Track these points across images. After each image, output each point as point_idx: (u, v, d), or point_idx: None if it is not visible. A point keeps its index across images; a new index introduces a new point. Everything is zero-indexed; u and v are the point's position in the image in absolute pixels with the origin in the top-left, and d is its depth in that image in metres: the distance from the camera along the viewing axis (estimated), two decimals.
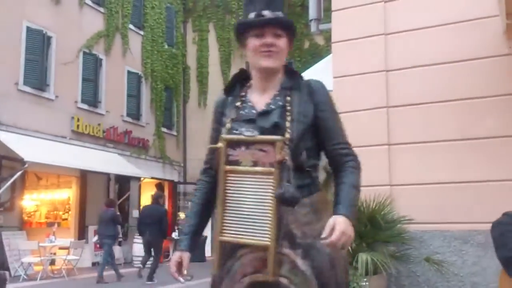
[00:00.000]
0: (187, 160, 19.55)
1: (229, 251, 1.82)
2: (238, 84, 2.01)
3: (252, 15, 1.89)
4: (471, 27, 4.75)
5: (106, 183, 15.85)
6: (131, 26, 17.51)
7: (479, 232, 4.35)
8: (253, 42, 1.89)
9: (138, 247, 14.25)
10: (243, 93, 1.97)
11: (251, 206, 1.77)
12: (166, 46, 19.24)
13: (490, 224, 2.92)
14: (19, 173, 11.80)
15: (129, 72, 17.31)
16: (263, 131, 1.81)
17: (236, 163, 1.81)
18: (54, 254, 12.21)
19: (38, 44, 13.72)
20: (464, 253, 4.49)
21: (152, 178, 17.43)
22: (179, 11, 20.12)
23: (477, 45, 4.71)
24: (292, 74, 1.97)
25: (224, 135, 1.85)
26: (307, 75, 6.87)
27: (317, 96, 1.90)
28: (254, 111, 1.89)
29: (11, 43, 12.92)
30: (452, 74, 4.79)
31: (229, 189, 1.82)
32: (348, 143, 1.93)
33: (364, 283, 3.85)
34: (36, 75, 13.62)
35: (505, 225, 2.80)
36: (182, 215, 17.73)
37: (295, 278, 1.72)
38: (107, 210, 11.52)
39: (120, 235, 15.19)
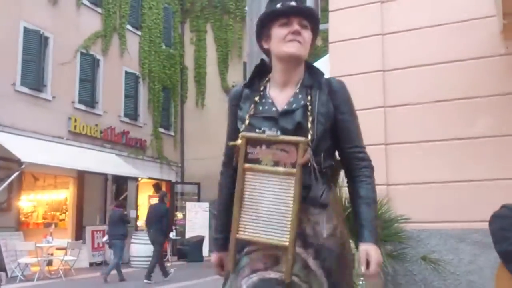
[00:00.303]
0: (184, 160, 19.55)
1: (239, 247, 1.82)
2: (256, 77, 1.96)
3: (278, 4, 1.85)
4: (468, 27, 4.77)
5: (103, 183, 15.84)
6: (128, 26, 17.51)
7: (476, 230, 4.37)
8: (279, 31, 1.85)
9: (135, 248, 14.25)
10: (262, 87, 1.93)
11: (270, 205, 1.76)
12: (164, 47, 19.25)
13: (487, 223, 2.92)
14: (16, 174, 11.79)
15: (126, 72, 17.32)
16: (284, 131, 1.79)
17: (256, 161, 1.79)
18: (51, 254, 12.20)
19: (35, 45, 13.71)
20: (460, 251, 4.51)
21: (150, 178, 17.43)
22: (176, 11, 20.13)
23: (474, 45, 4.73)
24: (313, 71, 1.93)
25: (244, 133, 1.82)
26: None
27: (338, 97, 1.88)
28: (274, 109, 1.85)
29: (8, 44, 12.91)
30: (449, 74, 4.81)
31: (248, 187, 1.80)
32: (364, 147, 1.93)
33: (361, 282, 3.85)
34: (33, 75, 13.61)
35: (505, 218, 2.78)
36: (179, 215, 17.74)
37: (306, 277, 1.72)
38: (116, 210, 11.67)
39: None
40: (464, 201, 4.53)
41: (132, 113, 17.48)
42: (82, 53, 15.40)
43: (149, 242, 14.14)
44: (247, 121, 1.86)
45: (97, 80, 16.02)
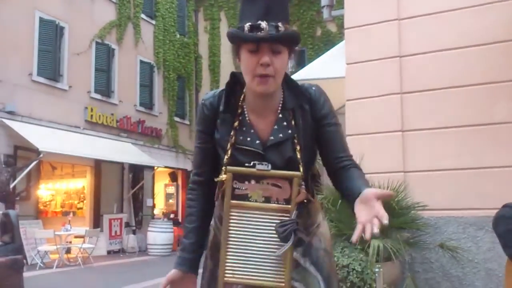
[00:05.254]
0: None
1: None
2: (232, 95, 1.74)
3: (247, 26, 1.59)
4: (486, 10, 4.68)
5: (120, 172, 15.99)
6: (143, 15, 17.53)
7: None
8: (247, 59, 1.63)
9: (152, 236, 14.39)
10: (239, 110, 1.73)
11: (261, 245, 1.64)
12: (178, 35, 19.24)
13: None
14: (34, 163, 11.95)
15: (141, 61, 17.37)
16: (273, 166, 1.65)
17: (244, 197, 1.65)
18: (70, 242, 12.38)
19: (51, 35, 13.80)
20: (479, 239, 4.47)
21: (166, 167, 17.54)
22: (190, 0, 20.08)
23: (492, 29, 4.64)
24: (292, 87, 1.74)
25: (230, 167, 1.66)
26: (321, 62, 6.84)
27: (319, 109, 1.73)
28: (258, 141, 1.69)
29: (24, 34, 13.02)
30: (466, 59, 4.73)
31: (235, 226, 1.67)
32: (350, 155, 1.77)
33: (377, 269, 3.84)
34: (50, 65, 13.72)
35: (510, 219, 2.72)
36: None
37: (298, 276, 1.71)
38: None
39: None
40: (482, 188, 4.47)
41: (147, 102, 17.55)
42: (97, 43, 15.47)
43: (166, 230, 14.33)
44: (229, 152, 1.69)
45: (113, 70, 16.09)
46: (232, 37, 1.67)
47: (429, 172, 4.73)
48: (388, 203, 4.37)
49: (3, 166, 11.40)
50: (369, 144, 4.90)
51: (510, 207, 2.76)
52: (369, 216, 1.45)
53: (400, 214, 4.41)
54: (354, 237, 1.43)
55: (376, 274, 3.80)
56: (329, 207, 4.29)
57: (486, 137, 4.56)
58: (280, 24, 1.59)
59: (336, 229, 4.29)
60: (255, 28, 1.58)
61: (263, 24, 1.57)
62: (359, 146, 4.77)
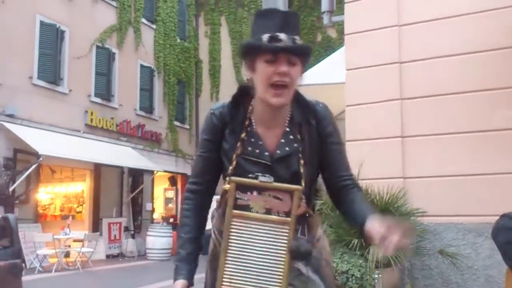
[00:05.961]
0: None
1: None
2: (241, 104, 1.77)
3: (265, 37, 1.62)
4: (486, 17, 4.69)
5: (119, 176, 15.97)
6: (143, 20, 17.56)
7: None
8: (264, 68, 1.65)
9: (151, 240, 14.36)
10: (247, 122, 1.76)
11: (260, 255, 1.67)
12: (179, 40, 19.27)
13: None
14: (33, 166, 11.94)
15: (141, 66, 17.38)
16: (280, 179, 1.69)
17: (246, 208, 1.68)
18: (69, 246, 12.34)
19: (51, 38, 13.82)
20: (478, 246, 4.46)
21: (165, 171, 17.53)
22: (191, 4, 20.13)
23: (492, 36, 4.65)
24: (300, 102, 1.78)
25: (234, 178, 1.69)
26: (321, 67, 6.86)
27: (325, 126, 1.77)
28: (267, 153, 1.72)
29: (25, 38, 13.03)
30: (466, 65, 4.74)
31: (235, 236, 1.70)
32: (352, 174, 1.83)
33: (376, 276, 3.84)
34: (50, 69, 13.73)
35: (509, 230, 2.72)
36: None
37: (302, 285, 1.73)
38: None
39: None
40: (482, 194, 4.47)
41: (147, 107, 17.56)
42: (97, 47, 15.49)
43: (165, 234, 14.30)
44: (234, 162, 1.73)
45: (113, 74, 16.10)
46: (248, 48, 1.69)
47: (429, 178, 4.73)
48: (387, 209, 4.37)
49: (3, 169, 11.39)
50: (368, 150, 4.90)
51: (509, 217, 2.76)
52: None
53: (399, 220, 4.40)
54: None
55: (376, 280, 3.79)
56: (328, 212, 4.29)
57: (486, 143, 4.57)
58: (297, 37, 1.65)
59: (336, 235, 4.28)
60: (273, 39, 1.62)
61: (282, 35, 1.62)
62: (359, 152, 4.78)
